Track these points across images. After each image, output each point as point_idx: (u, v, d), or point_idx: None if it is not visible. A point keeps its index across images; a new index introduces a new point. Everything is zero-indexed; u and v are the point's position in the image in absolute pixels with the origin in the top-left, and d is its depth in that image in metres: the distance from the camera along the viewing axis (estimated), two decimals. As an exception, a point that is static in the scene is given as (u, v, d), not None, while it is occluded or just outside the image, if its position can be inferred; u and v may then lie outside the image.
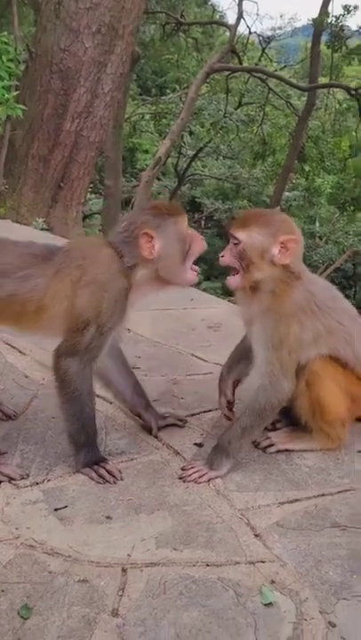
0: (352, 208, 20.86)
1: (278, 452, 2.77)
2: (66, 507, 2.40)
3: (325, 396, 2.68)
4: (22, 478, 2.54)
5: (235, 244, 2.58)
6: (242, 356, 2.85)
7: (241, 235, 2.56)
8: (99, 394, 3.15)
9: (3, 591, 1.99)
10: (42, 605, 1.95)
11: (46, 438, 2.82)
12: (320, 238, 22.09)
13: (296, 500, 2.46)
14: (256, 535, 2.27)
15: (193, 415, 3.05)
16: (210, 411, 3.08)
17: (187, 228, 2.66)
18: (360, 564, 2.15)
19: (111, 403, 3.08)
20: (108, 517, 2.36)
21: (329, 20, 16.59)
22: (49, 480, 2.56)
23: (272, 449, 2.78)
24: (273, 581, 2.06)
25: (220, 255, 2.62)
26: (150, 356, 3.66)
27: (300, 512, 2.40)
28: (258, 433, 2.70)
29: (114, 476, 2.57)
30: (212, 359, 3.52)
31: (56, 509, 2.38)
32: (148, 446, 2.81)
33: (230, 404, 2.91)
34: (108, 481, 2.55)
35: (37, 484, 2.53)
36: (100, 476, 2.57)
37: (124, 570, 2.11)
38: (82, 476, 2.58)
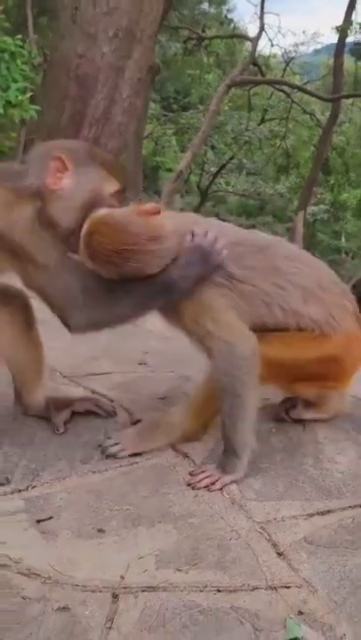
0: (379, 222, 20.45)
1: (295, 422, 2.54)
2: (50, 518, 2.00)
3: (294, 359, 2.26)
4: (1, 485, 2.15)
5: None
6: None
7: None
8: (99, 391, 2.79)
9: None
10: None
11: (35, 440, 2.43)
12: (346, 254, 21.71)
13: (328, 512, 2.03)
14: (279, 554, 1.84)
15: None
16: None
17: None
18: None
19: (112, 401, 2.70)
20: (100, 530, 1.95)
21: (353, 28, 16.31)
22: (34, 487, 2.16)
23: (294, 414, 2.53)
24: (301, 612, 1.63)
25: None
26: (159, 351, 3.26)
27: (333, 525, 1.96)
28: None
29: None
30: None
31: (38, 521, 1.98)
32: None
33: None
34: None
35: (20, 491, 2.14)
36: None
37: (114, 595, 1.70)
38: (72, 483, 2.18)
